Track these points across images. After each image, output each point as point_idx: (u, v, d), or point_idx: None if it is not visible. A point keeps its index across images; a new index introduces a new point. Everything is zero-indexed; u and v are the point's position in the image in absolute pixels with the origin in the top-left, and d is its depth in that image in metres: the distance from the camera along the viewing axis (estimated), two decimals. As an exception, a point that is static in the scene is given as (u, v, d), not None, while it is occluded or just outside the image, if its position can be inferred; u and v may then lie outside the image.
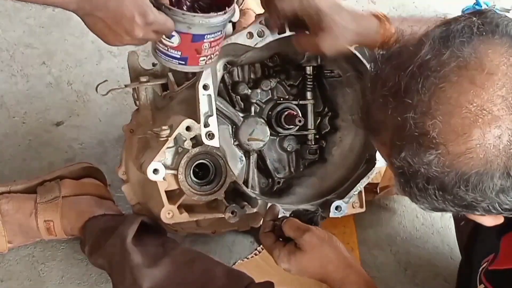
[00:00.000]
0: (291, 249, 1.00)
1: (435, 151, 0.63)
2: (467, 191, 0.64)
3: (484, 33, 0.65)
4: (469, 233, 1.11)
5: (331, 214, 1.17)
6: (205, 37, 0.98)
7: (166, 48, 0.99)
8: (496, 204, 0.65)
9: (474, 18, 0.66)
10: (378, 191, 1.29)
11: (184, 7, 0.98)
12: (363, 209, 1.21)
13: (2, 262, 1.32)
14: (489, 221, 0.71)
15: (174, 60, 1.01)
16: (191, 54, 1.00)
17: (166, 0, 0.94)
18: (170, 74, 1.22)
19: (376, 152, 1.17)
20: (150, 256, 1.14)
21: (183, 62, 1.01)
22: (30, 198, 1.28)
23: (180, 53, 0.99)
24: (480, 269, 0.92)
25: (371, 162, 1.20)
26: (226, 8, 0.97)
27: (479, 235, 1.04)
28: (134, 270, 1.11)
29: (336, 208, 1.18)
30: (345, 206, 1.19)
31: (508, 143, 0.61)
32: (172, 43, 0.98)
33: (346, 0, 1.88)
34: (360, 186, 1.20)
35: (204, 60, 1.02)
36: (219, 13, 0.96)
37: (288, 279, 1.31)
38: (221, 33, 1.01)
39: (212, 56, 1.03)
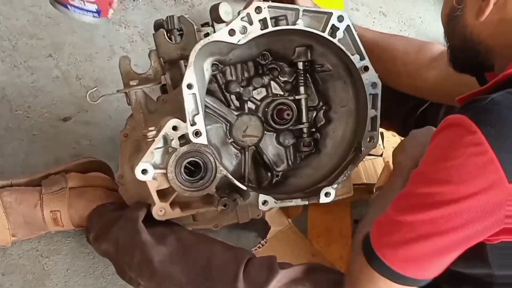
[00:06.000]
0: None
1: None
2: None
3: None
4: None
5: (321, 200, 1.19)
6: None
7: (83, 2, 1.05)
8: None
9: None
10: (374, 191, 1.30)
11: None
12: (351, 194, 1.25)
13: (4, 256, 1.30)
14: None
15: (89, 13, 1.07)
16: (104, 7, 1.07)
17: None
18: (166, 77, 1.25)
19: (362, 139, 1.21)
20: (158, 235, 1.16)
21: (97, 15, 1.08)
22: (34, 190, 1.25)
23: (96, 6, 1.06)
24: None
25: (359, 149, 1.23)
26: None
27: None
28: (144, 247, 1.13)
29: (326, 194, 1.20)
30: (334, 192, 1.21)
31: None
32: None
33: (359, 11, 1.86)
34: (348, 172, 1.22)
35: (111, 12, 1.10)
36: None
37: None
38: None
39: (114, 9, 1.11)
